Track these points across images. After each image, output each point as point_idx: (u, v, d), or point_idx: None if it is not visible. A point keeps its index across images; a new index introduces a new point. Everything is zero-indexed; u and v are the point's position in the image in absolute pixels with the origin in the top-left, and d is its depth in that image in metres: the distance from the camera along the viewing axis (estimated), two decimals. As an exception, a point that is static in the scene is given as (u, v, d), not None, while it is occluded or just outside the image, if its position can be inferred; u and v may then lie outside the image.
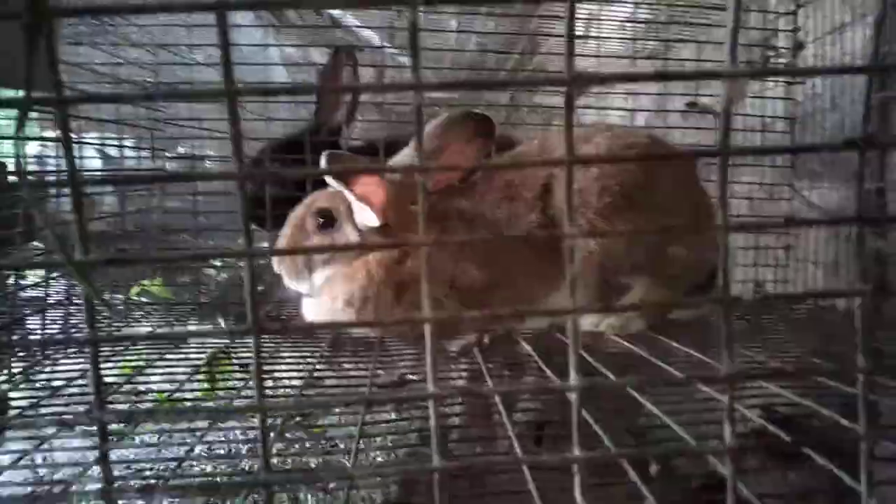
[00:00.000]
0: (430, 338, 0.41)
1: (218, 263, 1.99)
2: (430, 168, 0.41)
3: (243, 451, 1.36)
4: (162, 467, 1.03)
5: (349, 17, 2.31)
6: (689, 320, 1.44)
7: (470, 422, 1.04)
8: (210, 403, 1.23)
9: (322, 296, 1.33)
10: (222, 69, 0.36)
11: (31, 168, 1.83)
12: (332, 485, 1.21)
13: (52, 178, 1.52)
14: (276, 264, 1.41)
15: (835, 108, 1.67)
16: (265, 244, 2.09)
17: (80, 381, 1.04)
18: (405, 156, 1.40)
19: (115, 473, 0.91)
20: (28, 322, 1.38)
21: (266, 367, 1.21)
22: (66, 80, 0.38)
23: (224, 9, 0.37)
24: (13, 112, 0.36)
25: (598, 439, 0.84)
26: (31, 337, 1.25)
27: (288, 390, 1.08)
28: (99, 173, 1.70)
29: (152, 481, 1.01)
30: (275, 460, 1.22)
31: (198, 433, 0.93)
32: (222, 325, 1.40)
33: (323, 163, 1.21)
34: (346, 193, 1.26)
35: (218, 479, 1.22)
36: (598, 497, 0.43)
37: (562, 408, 1.25)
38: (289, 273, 1.39)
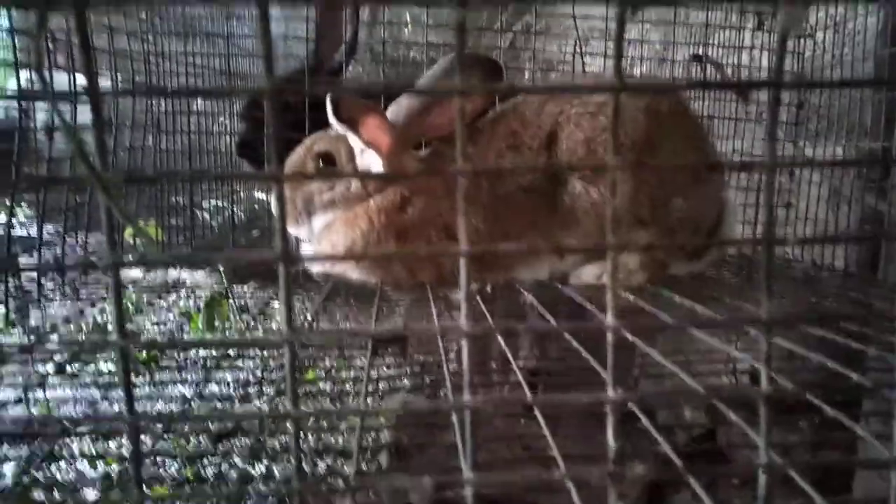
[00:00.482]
0: (465, 272, 0.40)
1: (210, 208, 1.96)
2: (468, 88, 0.39)
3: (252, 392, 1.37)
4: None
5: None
6: (686, 275, 1.44)
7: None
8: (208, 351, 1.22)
9: (322, 242, 1.31)
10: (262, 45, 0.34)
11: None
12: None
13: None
14: (273, 206, 1.38)
15: (840, 63, 1.64)
16: (260, 194, 2.06)
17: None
18: (406, 100, 1.36)
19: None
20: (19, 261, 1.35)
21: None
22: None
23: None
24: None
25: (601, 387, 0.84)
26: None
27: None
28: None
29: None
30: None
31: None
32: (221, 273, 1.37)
33: (329, 106, 1.17)
34: (353, 138, 1.23)
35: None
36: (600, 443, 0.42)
37: (558, 358, 1.26)
38: (288, 217, 1.36)
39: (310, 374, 1.48)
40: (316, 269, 1.35)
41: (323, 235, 1.31)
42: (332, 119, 1.21)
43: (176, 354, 1.32)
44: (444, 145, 1.36)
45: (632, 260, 1.32)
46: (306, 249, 1.38)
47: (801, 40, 1.74)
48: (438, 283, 1.32)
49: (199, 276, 1.36)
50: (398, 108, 1.33)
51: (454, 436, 0.63)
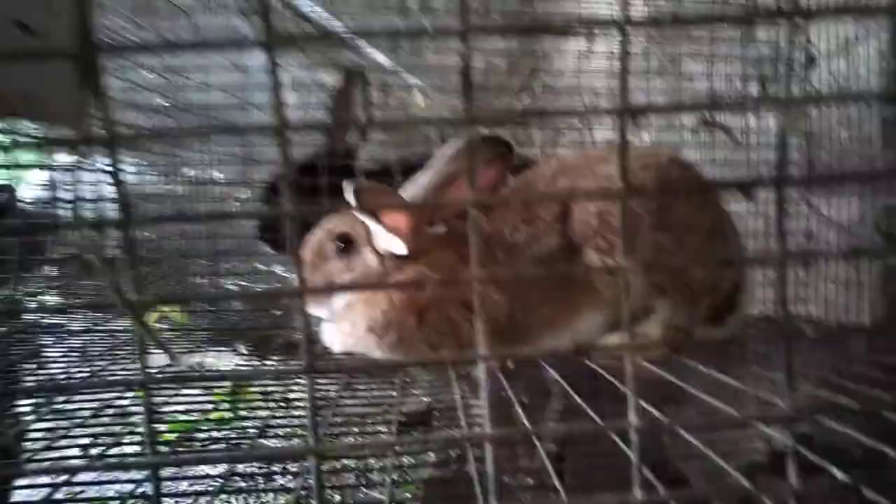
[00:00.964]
0: (485, 378, 0.40)
1: (235, 288, 1.99)
2: (485, 199, 0.40)
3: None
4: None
5: (358, 39, 2.31)
6: (712, 339, 1.42)
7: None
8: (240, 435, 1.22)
9: (342, 321, 1.32)
10: (272, 103, 0.36)
11: (39, 194, 1.83)
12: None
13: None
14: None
15: (847, 123, 1.66)
16: (280, 267, 2.09)
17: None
18: (422, 179, 1.39)
19: None
20: (45, 353, 1.37)
21: (286, 395, 1.20)
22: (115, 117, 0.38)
23: (273, 46, 0.36)
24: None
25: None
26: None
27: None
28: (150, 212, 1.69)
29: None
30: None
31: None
32: (243, 351, 1.38)
33: (350, 196, 1.20)
34: (375, 226, 1.26)
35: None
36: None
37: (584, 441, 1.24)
38: (308, 298, 1.37)
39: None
40: (337, 347, 1.36)
41: (343, 315, 1.33)
42: (355, 211, 1.24)
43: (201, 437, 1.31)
44: (459, 222, 1.38)
45: (654, 330, 1.31)
46: (327, 328, 1.39)
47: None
48: (462, 361, 1.32)
49: (225, 359, 1.37)
50: (414, 187, 1.37)
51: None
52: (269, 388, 1.20)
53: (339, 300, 1.33)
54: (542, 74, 2.36)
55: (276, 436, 1.14)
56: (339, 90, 1.62)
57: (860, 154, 1.67)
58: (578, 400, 1.03)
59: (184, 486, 1.12)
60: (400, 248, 1.28)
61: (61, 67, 0.46)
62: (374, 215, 1.25)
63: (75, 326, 1.47)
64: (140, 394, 0.42)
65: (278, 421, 1.09)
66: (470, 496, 1.03)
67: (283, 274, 2.16)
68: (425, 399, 1.14)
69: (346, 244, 1.34)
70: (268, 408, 1.12)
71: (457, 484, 1.17)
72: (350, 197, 1.21)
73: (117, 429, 1.04)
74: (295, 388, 1.24)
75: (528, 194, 1.38)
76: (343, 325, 1.32)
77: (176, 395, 1.17)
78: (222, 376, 0.94)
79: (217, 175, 2.04)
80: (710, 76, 1.96)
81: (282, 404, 1.08)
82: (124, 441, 1.02)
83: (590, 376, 1.17)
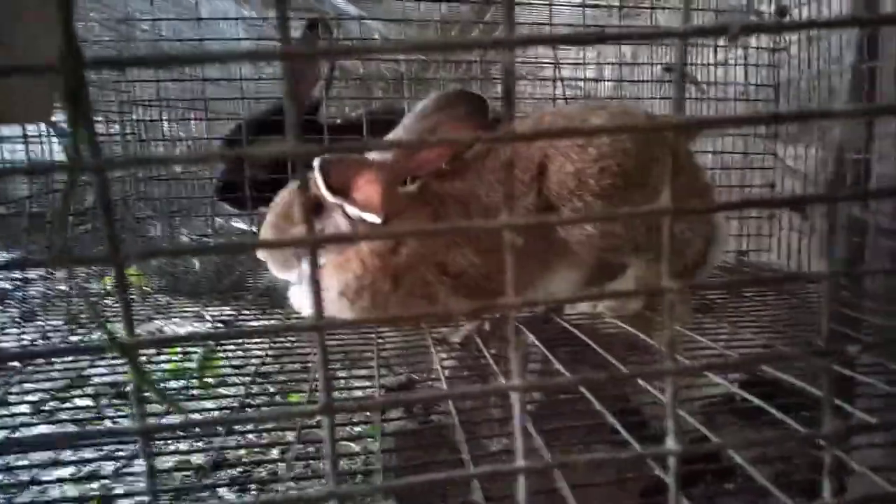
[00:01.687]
0: (512, 330, 0.38)
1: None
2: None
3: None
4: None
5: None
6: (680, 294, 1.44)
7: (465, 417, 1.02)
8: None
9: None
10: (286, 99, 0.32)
11: None
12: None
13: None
14: (260, 252, 1.37)
15: (816, 73, 1.66)
16: (241, 225, 2.03)
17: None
18: (394, 137, 1.34)
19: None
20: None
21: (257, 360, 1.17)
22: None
23: (290, 58, 0.33)
24: None
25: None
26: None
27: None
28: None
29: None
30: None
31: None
32: (206, 315, 1.34)
33: (318, 175, 1.14)
34: (348, 207, 1.22)
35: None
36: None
37: (561, 402, 1.25)
38: (275, 262, 1.34)
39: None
40: (307, 311, 1.33)
41: (346, 304, 1.29)
42: (324, 192, 1.18)
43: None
44: (433, 181, 1.35)
45: (626, 286, 1.32)
46: (296, 292, 1.36)
47: (776, 54, 1.75)
48: (435, 319, 1.31)
49: (189, 328, 1.33)
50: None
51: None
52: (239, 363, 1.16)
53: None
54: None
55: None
56: (301, 40, 1.53)
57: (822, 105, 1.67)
58: (556, 363, 1.03)
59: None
60: (374, 218, 1.22)
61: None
62: (345, 194, 1.20)
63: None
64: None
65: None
66: (440, 443, 1.05)
67: (245, 228, 2.09)
68: (403, 372, 1.13)
69: (316, 207, 1.28)
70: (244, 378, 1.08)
71: (424, 434, 1.18)
72: (318, 176, 1.15)
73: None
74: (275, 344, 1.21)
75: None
76: (326, 294, 1.28)
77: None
78: (226, 335, 0.89)
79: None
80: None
81: (258, 378, 1.04)
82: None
83: (567, 339, 1.18)
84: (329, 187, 1.17)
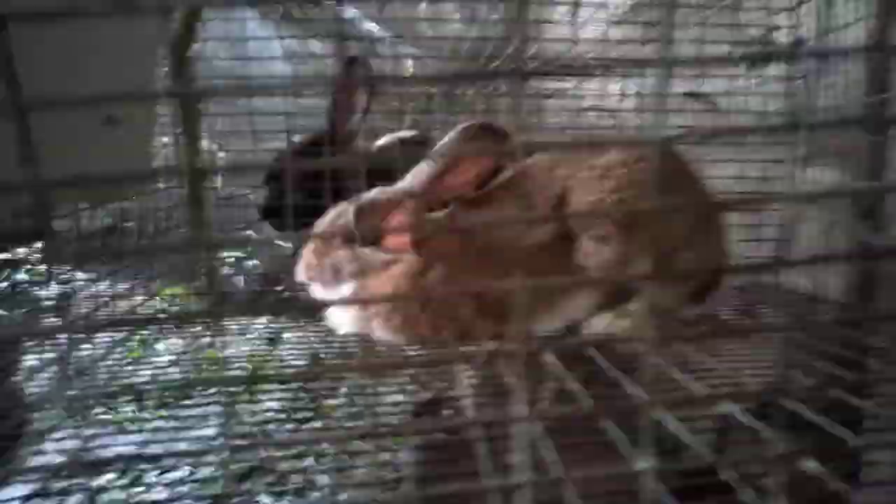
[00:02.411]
0: (519, 369, 0.47)
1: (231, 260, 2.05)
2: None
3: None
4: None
5: (351, 10, 2.32)
6: (697, 315, 1.52)
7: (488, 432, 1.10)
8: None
9: (351, 309, 1.38)
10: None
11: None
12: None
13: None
14: (303, 273, 1.47)
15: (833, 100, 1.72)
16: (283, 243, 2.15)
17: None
18: (421, 168, 1.43)
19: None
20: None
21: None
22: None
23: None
24: None
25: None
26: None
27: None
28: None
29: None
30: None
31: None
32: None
33: (354, 221, 1.26)
34: (382, 255, 1.35)
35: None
36: None
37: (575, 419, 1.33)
38: (317, 281, 1.44)
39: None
40: (344, 329, 1.43)
41: (382, 326, 1.39)
42: (358, 244, 1.32)
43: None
44: (460, 209, 1.44)
45: (640, 310, 1.40)
46: (334, 312, 1.46)
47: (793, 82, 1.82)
48: (461, 339, 1.40)
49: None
50: (415, 176, 1.42)
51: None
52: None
53: (346, 289, 1.39)
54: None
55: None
56: (341, 76, 1.64)
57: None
58: (572, 384, 1.11)
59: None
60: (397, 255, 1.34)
61: (143, 142, 0.51)
62: (377, 243, 1.31)
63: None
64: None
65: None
66: (464, 455, 1.14)
67: (281, 244, 2.21)
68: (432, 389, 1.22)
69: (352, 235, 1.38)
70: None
71: (449, 447, 1.26)
72: (354, 222, 1.28)
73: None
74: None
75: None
76: (350, 312, 1.38)
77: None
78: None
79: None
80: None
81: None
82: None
83: (583, 359, 1.26)
84: (363, 238, 1.29)
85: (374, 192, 1.36)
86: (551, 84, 2.79)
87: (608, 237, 1.34)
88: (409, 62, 2.63)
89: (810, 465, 0.79)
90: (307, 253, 1.45)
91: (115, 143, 0.45)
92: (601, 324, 1.42)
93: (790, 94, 1.83)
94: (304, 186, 1.66)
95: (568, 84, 2.41)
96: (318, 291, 1.45)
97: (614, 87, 2.26)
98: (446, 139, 1.41)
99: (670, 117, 2.03)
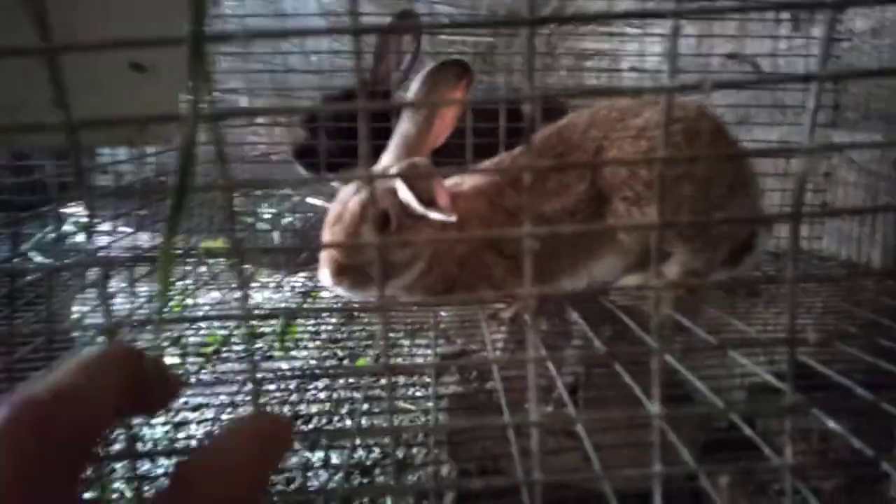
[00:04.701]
0: (532, 320, 0.49)
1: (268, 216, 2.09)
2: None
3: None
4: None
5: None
6: (727, 279, 1.51)
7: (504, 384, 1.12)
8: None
9: (414, 292, 1.37)
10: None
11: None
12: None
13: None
14: (331, 281, 1.29)
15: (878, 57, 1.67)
16: (315, 201, 2.18)
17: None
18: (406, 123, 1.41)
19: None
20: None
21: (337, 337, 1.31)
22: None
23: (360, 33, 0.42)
24: None
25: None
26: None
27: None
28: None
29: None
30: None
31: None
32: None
33: (406, 189, 1.22)
34: (431, 212, 1.22)
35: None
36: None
37: (599, 374, 1.35)
38: (352, 286, 1.29)
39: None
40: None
41: (414, 287, 1.36)
42: (415, 204, 1.22)
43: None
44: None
45: (670, 272, 1.40)
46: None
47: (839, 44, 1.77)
48: (492, 300, 1.42)
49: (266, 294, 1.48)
50: (404, 130, 1.40)
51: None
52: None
53: (404, 279, 1.34)
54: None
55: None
56: (389, 27, 1.67)
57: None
58: (596, 342, 1.13)
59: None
60: (450, 217, 1.21)
61: (169, 90, 0.53)
62: (433, 204, 1.23)
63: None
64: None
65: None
66: (488, 406, 1.17)
67: (317, 202, 2.25)
68: (459, 342, 1.25)
69: (384, 221, 1.28)
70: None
71: (473, 398, 1.29)
72: (406, 189, 1.21)
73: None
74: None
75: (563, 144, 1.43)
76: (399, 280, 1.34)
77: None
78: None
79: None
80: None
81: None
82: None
83: (611, 318, 1.27)
84: (420, 199, 1.21)
85: (389, 162, 1.36)
86: (590, 44, 2.75)
87: (640, 199, 1.34)
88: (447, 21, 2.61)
89: (831, 424, 0.80)
90: (330, 259, 1.29)
91: (140, 90, 0.48)
92: (632, 284, 1.42)
93: (834, 54, 1.78)
94: (339, 133, 1.70)
95: (606, 45, 2.37)
96: (352, 294, 1.33)
97: (655, 48, 2.22)
98: (416, 89, 1.39)
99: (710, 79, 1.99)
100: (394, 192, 1.27)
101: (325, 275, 1.32)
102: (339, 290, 1.31)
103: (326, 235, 1.31)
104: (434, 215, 1.21)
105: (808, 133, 0.46)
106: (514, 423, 0.51)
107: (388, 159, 1.38)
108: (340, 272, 1.26)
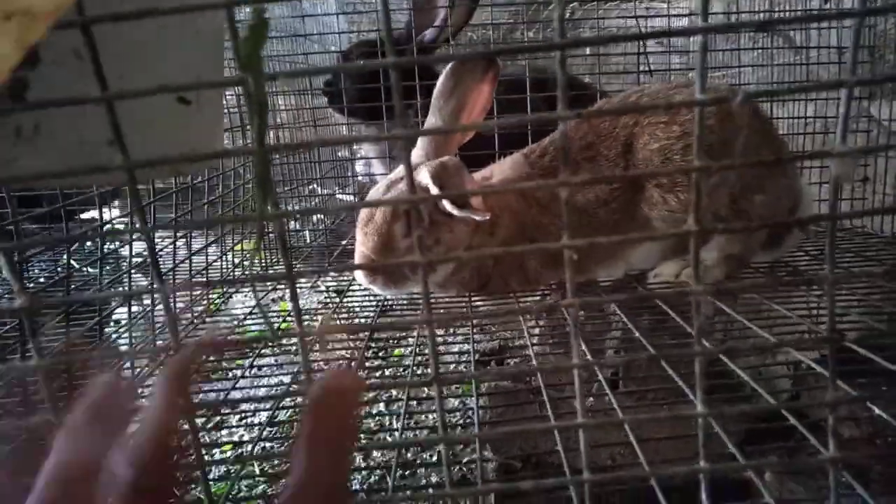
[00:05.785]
0: (574, 316, 0.49)
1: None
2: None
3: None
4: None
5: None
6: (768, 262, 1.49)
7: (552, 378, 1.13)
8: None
9: (449, 287, 1.40)
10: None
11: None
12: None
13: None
14: (365, 279, 1.34)
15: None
16: (343, 197, 2.20)
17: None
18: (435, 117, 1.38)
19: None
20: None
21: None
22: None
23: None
24: None
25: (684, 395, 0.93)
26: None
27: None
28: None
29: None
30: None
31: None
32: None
33: (433, 183, 1.19)
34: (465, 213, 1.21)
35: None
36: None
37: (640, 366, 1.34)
38: (386, 284, 1.32)
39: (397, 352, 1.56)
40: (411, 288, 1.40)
41: (450, 281, 1.40)
42: (449, 207, 1.21)
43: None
44: (524, 159, 1.44)
45: (710, 256, 1.38)
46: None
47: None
48: (526, 287, 1.41)
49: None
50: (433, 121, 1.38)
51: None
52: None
53: (442, 273, 1.37)
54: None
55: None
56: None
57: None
58: (636, 333, 1.12)
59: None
60: (483, 216, 1.21)
61: (211, 120, 0.55)
62: (467, 205, 1.22)
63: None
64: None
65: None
66: (529, 401, 1.17)
67: (346, 198, 2.27)
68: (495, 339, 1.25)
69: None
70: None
71: (515, 394, 1.29)
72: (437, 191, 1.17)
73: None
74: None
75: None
76: (434, 276, 1.36)
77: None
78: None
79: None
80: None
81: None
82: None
83: (649, 306, 1.26)
84: (452, 200, 1.20)
85: (418, 159, 1.36)
86: (614, 22, 2.71)
87: (674, 186, 1.32)
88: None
89: (877, 411, 0.79)
90: (361, 252, 1.31)
91: (186, 121, 0.49)
92: (670, 270, 1.41)
93: (870, 25, 1.73)
94: (365, 82, 1.83)
95: (632, 22, 2.33)
96: (385, 291, 1.37)
97: (681, 23, 2.18)
98: (440, 86, 1.36)
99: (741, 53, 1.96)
100: (425, 190, 1.27)
101: (359, 273, 1.36)
102: (374, 288, 1.35)
103: (359, 235, 1.33)
104: (468, 215, 1.21)
105: (840, 138, 0.45)
106: (561, 427, 0.51)
107: (416, 155, 1.38)
108: (374, 270, 1.30)
